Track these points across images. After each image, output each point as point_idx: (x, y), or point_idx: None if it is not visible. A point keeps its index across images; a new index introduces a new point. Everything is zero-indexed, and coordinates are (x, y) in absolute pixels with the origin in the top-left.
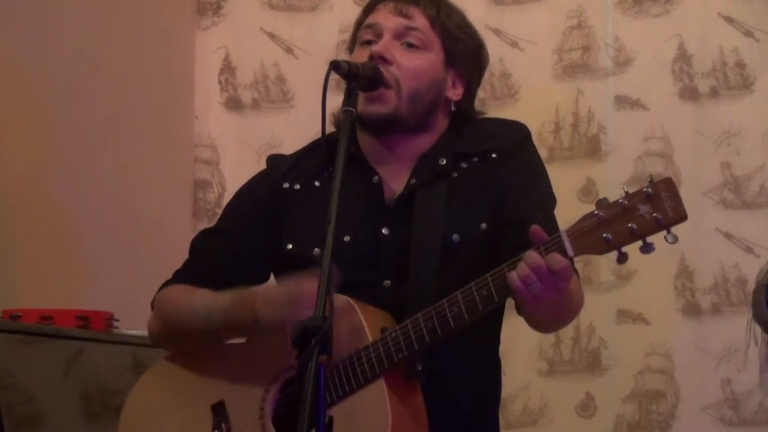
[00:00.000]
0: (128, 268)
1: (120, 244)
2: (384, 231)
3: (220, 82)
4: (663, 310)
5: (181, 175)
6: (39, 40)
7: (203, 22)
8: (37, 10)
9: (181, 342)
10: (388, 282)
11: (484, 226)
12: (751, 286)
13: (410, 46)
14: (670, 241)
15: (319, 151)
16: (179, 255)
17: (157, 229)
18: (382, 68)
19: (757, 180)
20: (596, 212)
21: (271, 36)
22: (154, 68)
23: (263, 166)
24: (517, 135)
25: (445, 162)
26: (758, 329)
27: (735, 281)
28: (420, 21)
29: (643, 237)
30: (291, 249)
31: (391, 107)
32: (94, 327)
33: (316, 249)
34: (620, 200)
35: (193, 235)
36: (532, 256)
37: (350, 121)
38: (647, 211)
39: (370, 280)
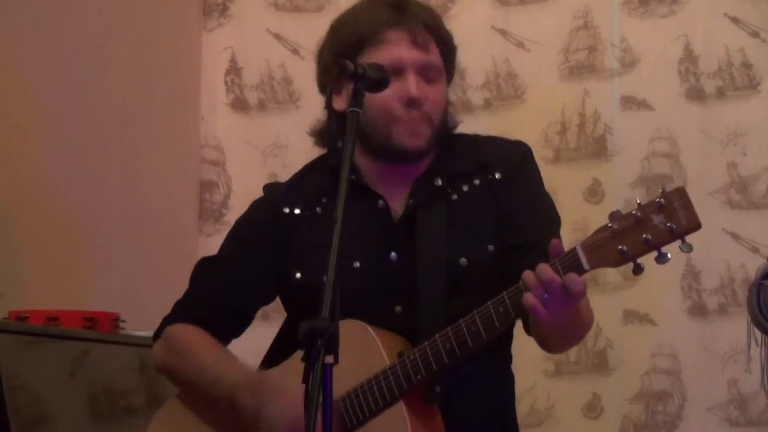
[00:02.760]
0: (134, 269)
1: (126, 245)
2: (392, 256)
3: (226, 83)
4: (669, 310)
5: (188, 175)
6: (45, 41)
7: (209, 23)
8: (43, 12)
9: (185, 389)
10: (399, 308)
11: (491, 248)
12: None
13: (429, 79)
14: (684, 250)
15: (300, 174)
16: (185, 256)
17: (163, 230)
18: (418, 113)
19: (764, 180)
20: (610, 225)
21: (278, 37)
22: (160, 69)
23: (269, 167)
24: (519, 155)
25: (440, 183)
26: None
27: (741, 282)
28: (435, 54)
29: (657, 247)
30: (300, 278)
31: (426, 140)
32: (100, 328)
33: (326, 276)
34: (633, 212)
35: (199, 236)
36: (543, 269)
37: (356, 122)
38: (661, 221)
39: (382, 307)
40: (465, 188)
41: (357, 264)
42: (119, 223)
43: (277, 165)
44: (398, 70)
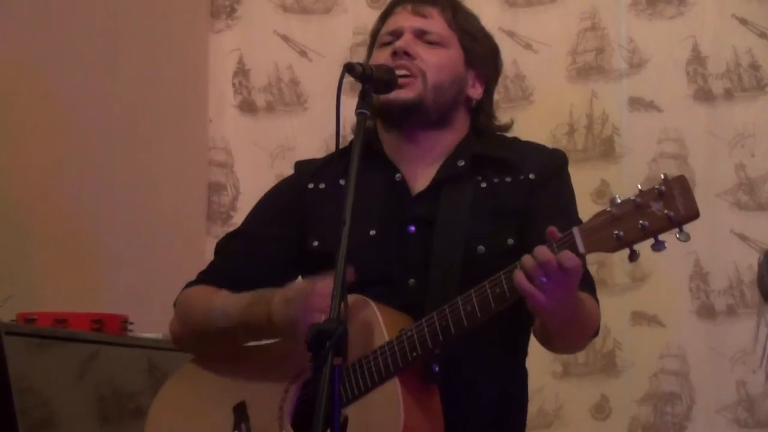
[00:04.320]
0: (143, 271)
1: (135, 247)
2: (411, 228)
3: (233, 84)
4: (678, 311)
5: (195, 177)
6: (54, 44)
7: (217, 25)
8: (52, 14)
9: (200, 343)
10: (413, 280)
11: (511, 241)
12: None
13: (430, 43)
14: (681, 239)
15: (337, 155)
16: (194, 258)
17: (171, 232)
18: (407, 63)
19: None
20: (609, 209)
21: (285, 39)
22: (168, 71)
23: (277, 168)
24: (557, 161)
25: (463, 164)
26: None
27: (750, 283)
28: (438, 20)
29: (654, 234)
30: (316, 246)
31: (417, 93)
32: (108, 330)
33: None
34: (633, 197)
35: (207, 238)
36: (541, 250)
37: (364, 123)
38: (659, 209)
39: (396, 277)
40: (495, 180)
41: (373, 232)
42: (127, 225)
43: (285, 167)
44: (398, 36)
